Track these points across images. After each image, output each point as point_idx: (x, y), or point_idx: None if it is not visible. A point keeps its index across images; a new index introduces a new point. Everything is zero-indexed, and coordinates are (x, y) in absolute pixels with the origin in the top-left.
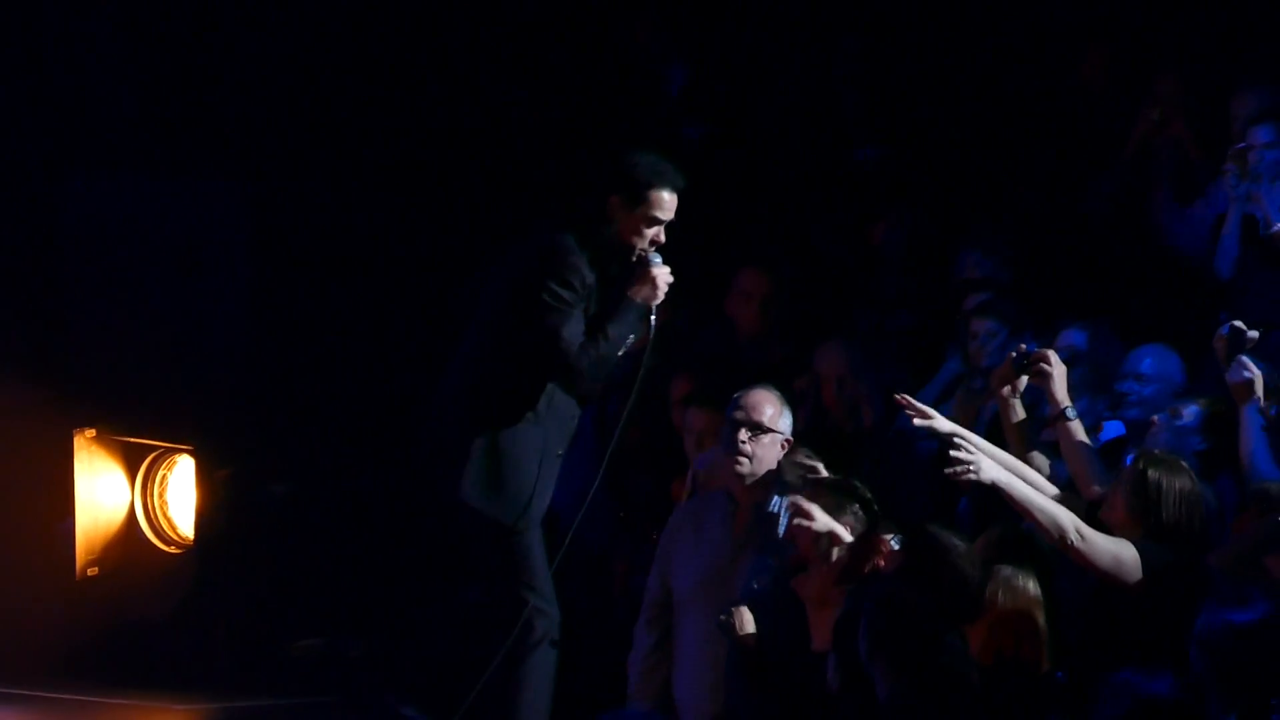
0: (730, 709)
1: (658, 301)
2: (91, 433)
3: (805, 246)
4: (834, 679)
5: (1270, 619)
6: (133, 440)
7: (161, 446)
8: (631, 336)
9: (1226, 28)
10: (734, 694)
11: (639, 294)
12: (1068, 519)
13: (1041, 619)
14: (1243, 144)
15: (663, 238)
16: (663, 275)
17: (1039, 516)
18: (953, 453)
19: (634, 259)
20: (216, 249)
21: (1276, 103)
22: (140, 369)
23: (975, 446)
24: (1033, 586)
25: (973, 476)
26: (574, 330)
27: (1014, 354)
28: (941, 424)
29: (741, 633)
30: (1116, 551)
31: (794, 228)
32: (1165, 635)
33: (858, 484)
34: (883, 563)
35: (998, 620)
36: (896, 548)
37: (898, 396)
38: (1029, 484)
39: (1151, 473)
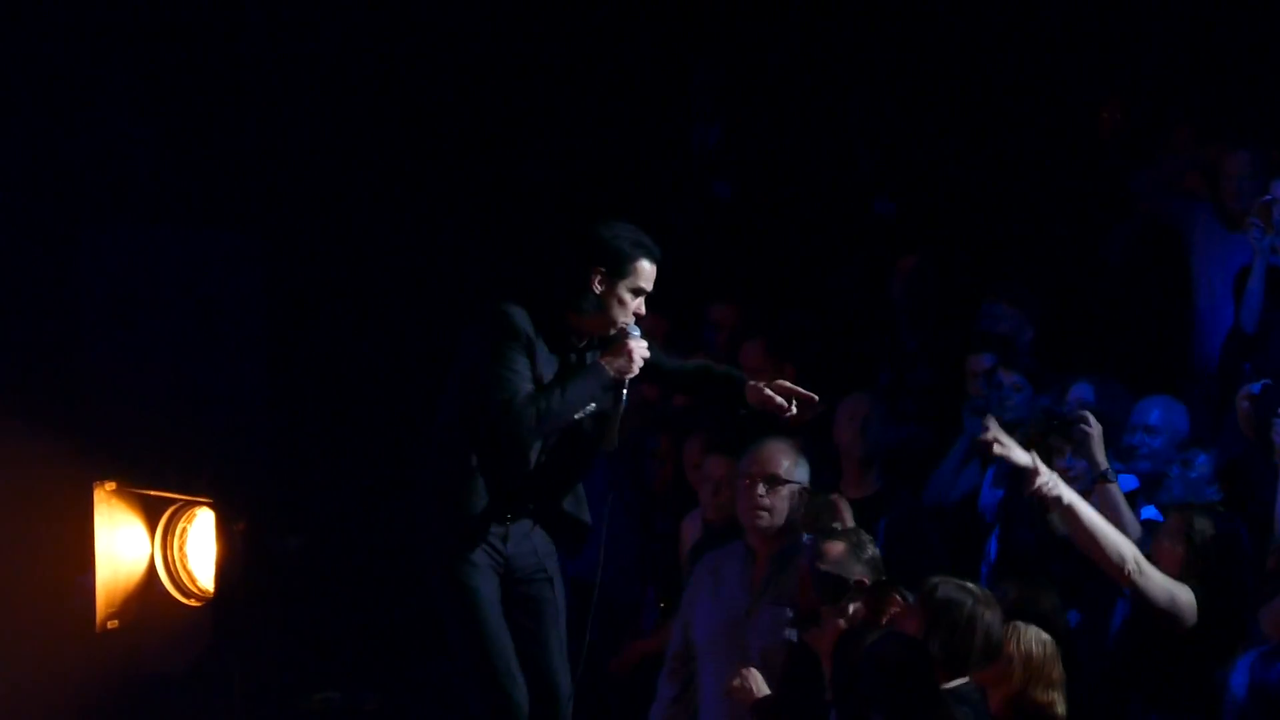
0: None
1: (631, 375)
2: (111, 486)
3: (827, 300)
4: None
5: None
6: (152, 493)
7: (181, 499)
8: (593, 405)
9: (1240, 83)
10: None
11: (612, 365)
12: (1130, 550)
13: (1059, 672)
14: (1268, 197)
15: (643, 309)
16: (639, 349)
17: (1103, 542)
18: (1039, 480)
19: (613, 331)
20: (233, 300)
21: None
22: (159, 421)
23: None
24: (1050, 642)
25: (1053, 493)
26: (515, 377)
27: (1042, 412)
28: (1018, 455)
29: (756, 696)
30: (1174, 591)
31: (815, 281)
32: (1199, 685)
33: (867, 538)
34: (898, 612)
35: (1022, 670)
36: (908, 601)
37: (986, 423)
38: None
39: (1197, 522)
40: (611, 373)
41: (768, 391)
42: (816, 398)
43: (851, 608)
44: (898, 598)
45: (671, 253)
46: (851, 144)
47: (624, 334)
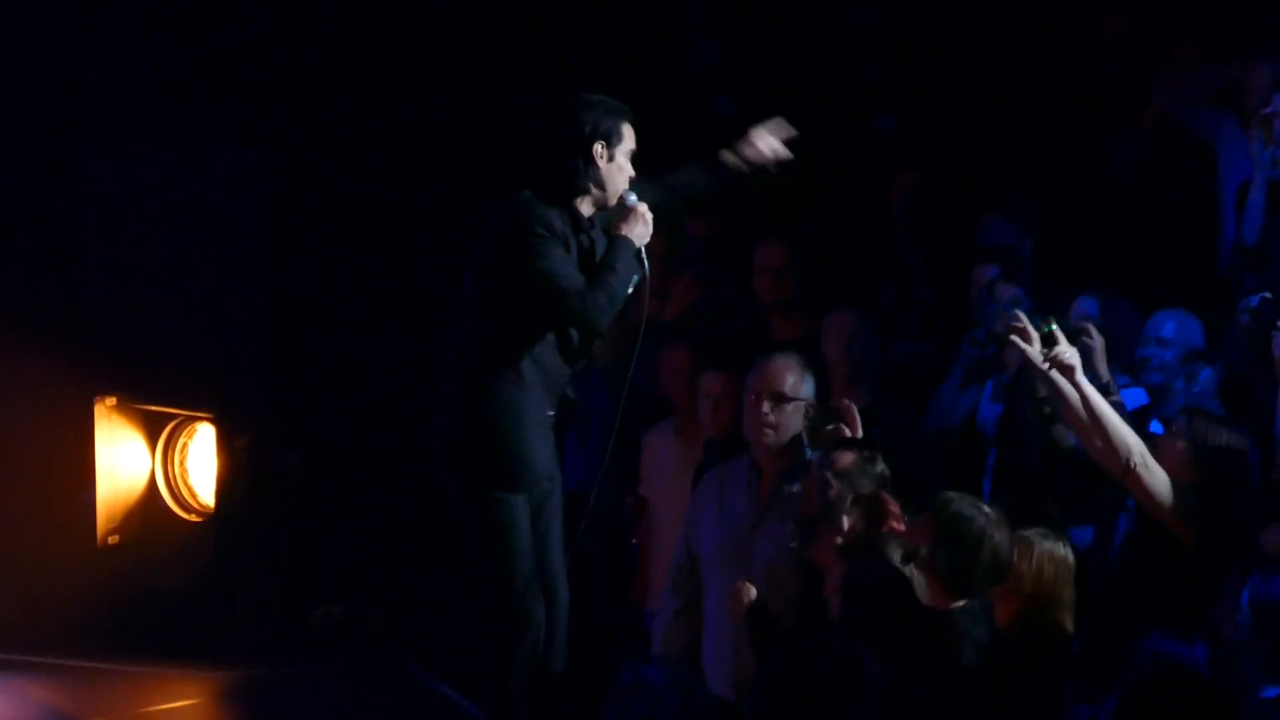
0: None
1: (647, 239)
2: (112, 401)
3: (828, 217)
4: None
5: None
6: (153, 408)
7: (182, 414)
8: (635, 278)
9: None
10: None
11: (632, 231)
12: (1136, 444)
13: (1070, 591)
14: (1270, 109)
15: (633, 171)
16: (645, 211)
17: (1111, 433)
18: (1057, 348)
19: (614, 203)
20: (235, 216)
21: None
22: (160, 337)
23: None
24: (1069, 553)
25: (1068, 363)
26: (568, 270)
27: (1045, 327)
28: (1036, 353)
29: (745, 603)
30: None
31: (816, 199)
32: (1204, 599)
33: (878, 449)
34: (895, 525)
35: (1033, 587)
36: (908, 517)
37: (1013, 318)
38: None
39: (1199, 424)
40: (636, 241)
41: (751, 149)
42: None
43: (847, 521)
44: (893, 510)
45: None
46: (851, 60)
47: (623, 202)
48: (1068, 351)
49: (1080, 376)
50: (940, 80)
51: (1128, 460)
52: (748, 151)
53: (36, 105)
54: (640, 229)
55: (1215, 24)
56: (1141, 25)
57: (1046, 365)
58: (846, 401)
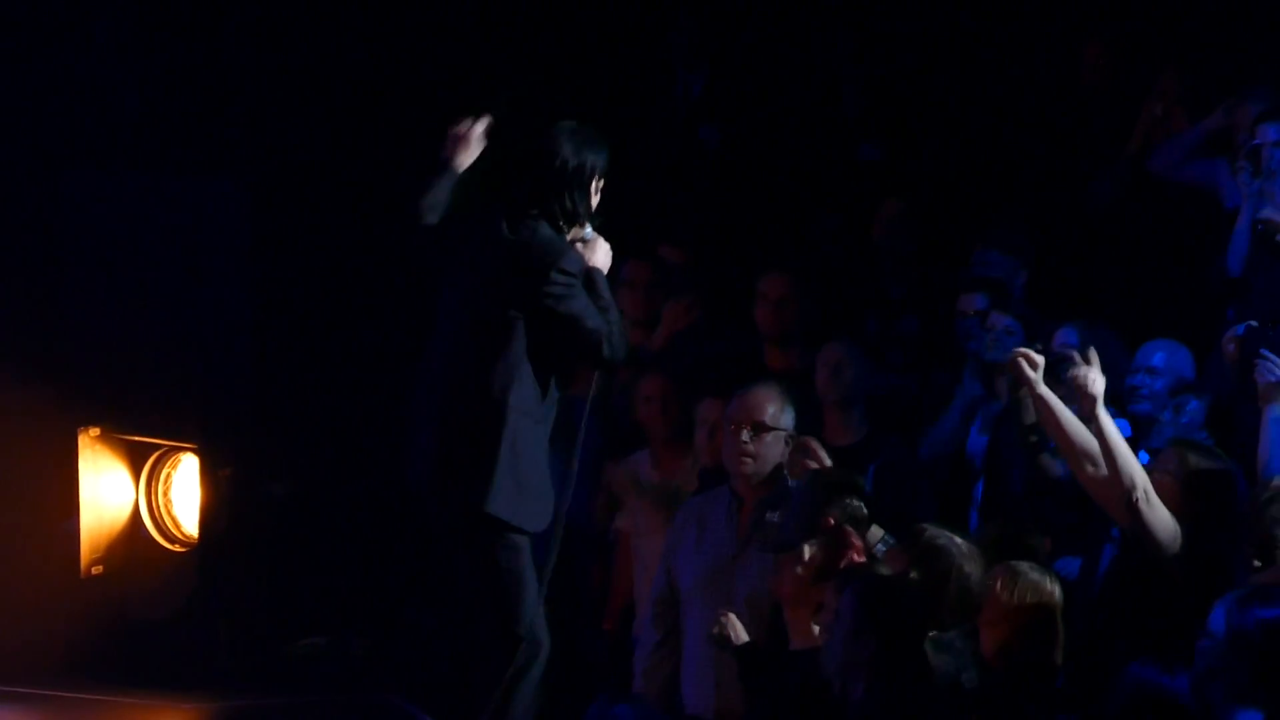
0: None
1: (608, 267)
2: (96, 431)
3: (815, 248)
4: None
5: None
6: (137, 439)
7: (166, 445)
8: None
9: (1228, 23)
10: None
11: (600, 262)
12: (1141, 477)
13: (1058, 620)
14: (1257, 140)
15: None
16: (604, 242)
17: (1120, 463)
18: (1075, 371)
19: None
20: (219, 246)
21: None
22: (144, 367)
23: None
24: (1056, 588)
25: (1092, 392)
26: (593, 311)
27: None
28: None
29: (736, 643)
30: (1176, 529)
31: (801, 229)
32: (1189, 629)
33: (857, 479)
34: (856, 557)
35: (1016, 618)
36: (885, 548)
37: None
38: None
39: (1191, 458)
40: (604, 270)
41: None
42: None
43: (809, 552)
44: (855, 543)
45: (661, 198)
46: (835, 91)
47: (583, 237)
48: (1098, 379)
49: (1099, 407)
50: (924, 112)
51: (1130, 492)
52: None
53: (19, 135)
54: (603, 259)
55: (1195, 53)
56: (1122, 54)
57: (1065, 389)
58: (806, 437)
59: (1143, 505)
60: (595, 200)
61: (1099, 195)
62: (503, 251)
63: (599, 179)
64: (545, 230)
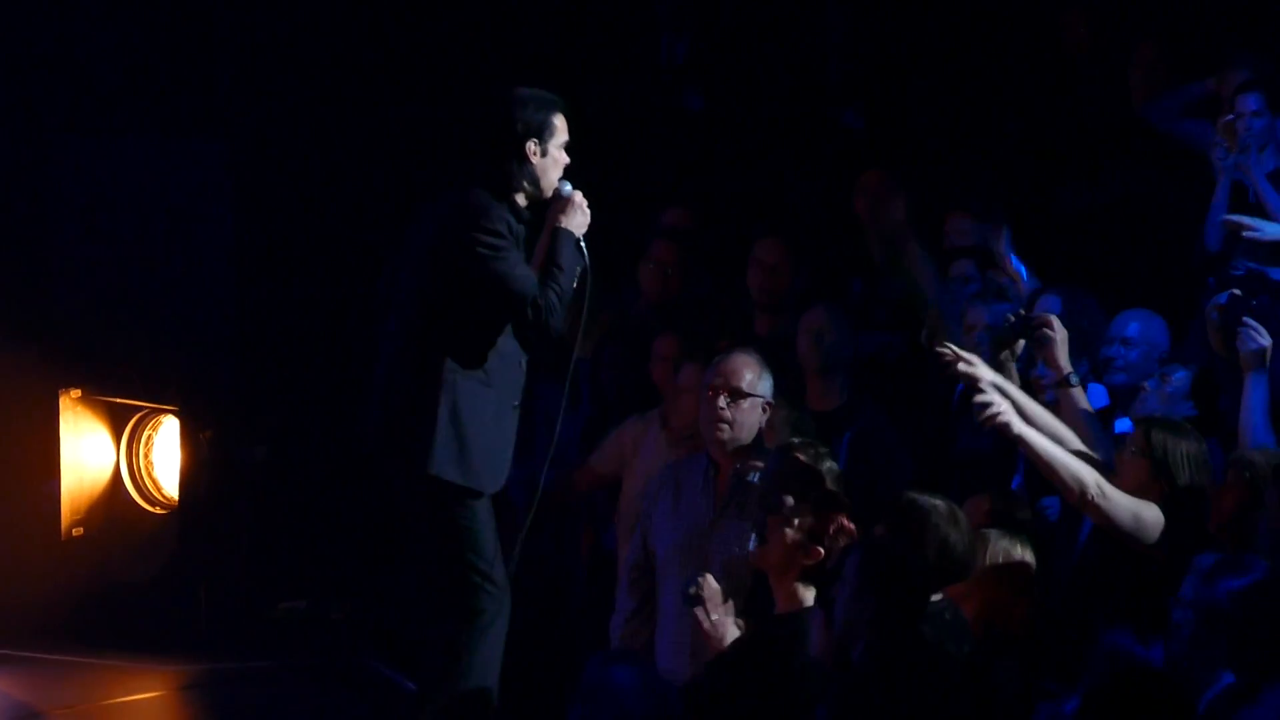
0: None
1: (586, 228)
2: (77, 393)
3: (798, 213)
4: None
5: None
6: (118, 401)
7: (146, 407)
8: (578, 266)
9: None
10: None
11: (570, 223)
12: (1090, 475)
13: (1034, 587)
14: (1231, 115)
15: (567, 159)
16: (581, 199)
17: (1061, 472)
18: (979, 398)
19: (550, 195)
20: (201, 209)
21: (1262, 72)
22: (125, 330)
23: (1012, 398)
24: (1027, 554)
25: (1001, 421)
26: (523, 271)
27: (1011, 318)
28: (984, 372)
29: (718, 639)
30: (1137, 510)
31: (785, 195)
32: (1162, 600)
33: (824, 451)
34: (845, 522)
35: (991, 588)
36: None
37: (940, 347)
38: (1060, 437)
39: (1158, 436)
40: (576, 232)
41: None
42: None
43: (798, 520)
44: (844, 504)
45: (644, 165)
46: (819, 57)
47: (559, 194)
48: (1002, 411)
49: (1019, 430)
50: (907, 78)
51: (1083, 494)
52: None
53: (3, 100)
54: (579, 219)
55: (1177, 24)
56: (1103, 25)
57: (985, 414)
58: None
59: (1099, 500)
60: (551, 161)
61: (1086, 165)
62: (439, 215)
63: (545, 140)
64: (477, 194)
